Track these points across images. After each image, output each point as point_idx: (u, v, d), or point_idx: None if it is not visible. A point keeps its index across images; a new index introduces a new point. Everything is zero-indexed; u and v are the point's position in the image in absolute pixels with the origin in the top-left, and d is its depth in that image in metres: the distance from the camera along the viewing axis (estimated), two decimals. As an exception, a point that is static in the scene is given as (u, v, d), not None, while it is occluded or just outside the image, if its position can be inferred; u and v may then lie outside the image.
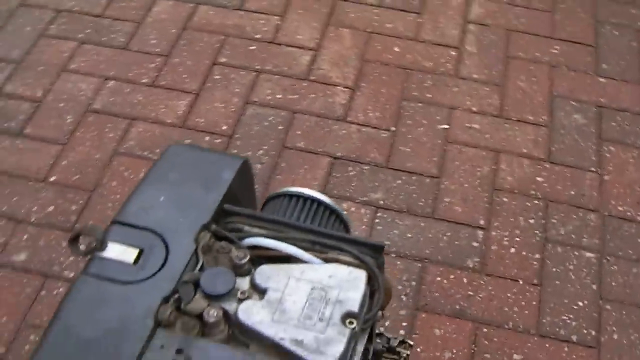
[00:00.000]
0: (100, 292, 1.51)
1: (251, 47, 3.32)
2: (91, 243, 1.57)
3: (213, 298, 1.51)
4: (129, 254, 1.57)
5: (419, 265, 2.69)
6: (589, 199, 2.89)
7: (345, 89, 3.18)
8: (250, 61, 3.27)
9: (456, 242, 2.75)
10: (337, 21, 3.45)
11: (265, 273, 1.54)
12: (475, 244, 2.75)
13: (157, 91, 3.15)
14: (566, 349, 2.52)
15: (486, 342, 2.52)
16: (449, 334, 2.53)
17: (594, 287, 2.65)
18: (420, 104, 3.15)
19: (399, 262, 2.69)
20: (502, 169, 2.97)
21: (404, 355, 1.91)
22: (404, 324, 2.54)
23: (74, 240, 1.57)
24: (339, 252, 1.62)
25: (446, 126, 3.09)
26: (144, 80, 3.18)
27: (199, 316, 1.48)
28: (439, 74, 3.26)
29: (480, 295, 2.62)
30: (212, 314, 1.47)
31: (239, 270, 1.56)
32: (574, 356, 2.50)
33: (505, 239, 2.77)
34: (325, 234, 1.66)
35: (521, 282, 2.67)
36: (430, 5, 3.53)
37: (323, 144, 3.00)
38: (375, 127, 3.06)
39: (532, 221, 2.82)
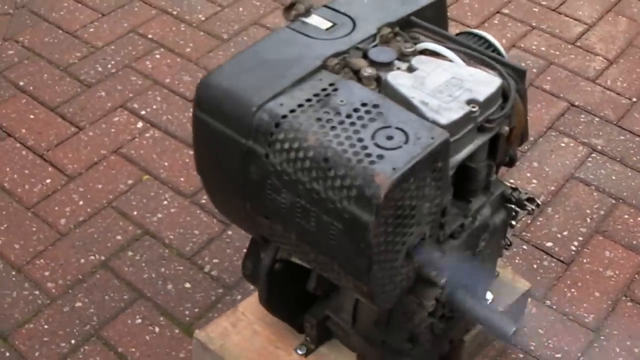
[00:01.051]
0: (292, 38, 1.79)
1: (534, 9, 3.53)
2: (299, 11, 1.88)
3: (374, 64, 1.75)
4: (324, 24, 1.84)
5: (613, 201, 2.78)
6: None
7: (604, 60, 3.31)
8: (529, 18, 3.48)
9: (655, 196, 2.83)
10: (619, 9, 3.57)
11: (422, 59, 1.75)
12: (673, 203, 2.82)
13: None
14: None
15: (650, 277, 2.59)
16: (617, 258, 2.61)
17: None
18: (668, 89, 3.23)
19: (595, 194, 2.79)
20: None
21: (529, 209, 2.00)
22: (580, 238, 2.65)
23: (288, 8, 1.89)
24: (488, 68, 1.81)
25: (688, 111, 3.16)
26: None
27: (357, 72, 1.73)
28: (699, 73, 3.32)
29: (661, 242, 2.69)
30: (367, 70, 1.70)
31: (403, 57, 1.79)
32: None
33: None
34: (482, 52, 1.85)
35: None
36: None
37: (566, 92, 3.15)
38: (618, 94, 3.17)
39: None
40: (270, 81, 1.67)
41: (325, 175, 1.53)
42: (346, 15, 1.87)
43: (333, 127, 1.56)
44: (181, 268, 2.49)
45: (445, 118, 1.62)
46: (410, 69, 1.73)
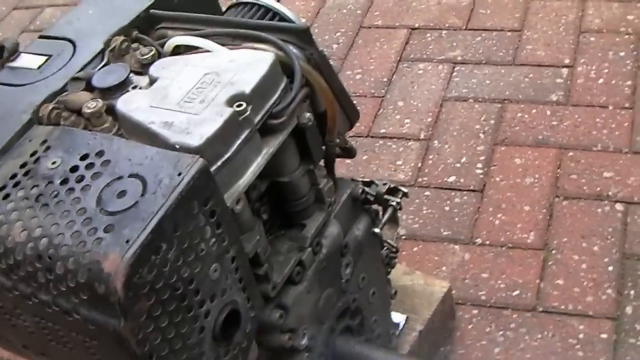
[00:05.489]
0: (-6, 97, 1.06)
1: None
2: (5, 56, 1.13)
3: (103, 93, 1.03)
4: (35, 61, 1.12)
5: (499, 105, 2.07)
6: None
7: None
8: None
9: (538, 82, 2.11)
10: None
11: (162, 64, 1.05)
12: (559, 80, 2.10)
13: None
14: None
15: (572, 164, 1.89)
16: (531, 161, 1.91)
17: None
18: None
19: (476, 106, 2.08)
20: (589, 14, 2.28)
21: (393, 203, 1.29)
22: (482, 157, 1.95)
23: (-5, 55, 1.14)
24: (259, 43, 1.07)
25: (530, -15, 2.43)
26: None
27: (81, 112, 1.00)
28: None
29: (565, 124, 1.99)
30: (90, 105, 0.99)
31: (143, 70, 1.07)
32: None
33: (593, 72, 2.11)
34: (248, 24, 1.12)
35: (611, 108, 2.00)
36: None
37: (401, 19, 2.41)
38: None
39: (622, 54, 2.14)
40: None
41: (46, 280, 0.82)
42: (65, 39, 1.15)
43: (45, 206, 0.84)
44: None
45: (196, 137, 0.91)
46: (151, 82, 1.01)
